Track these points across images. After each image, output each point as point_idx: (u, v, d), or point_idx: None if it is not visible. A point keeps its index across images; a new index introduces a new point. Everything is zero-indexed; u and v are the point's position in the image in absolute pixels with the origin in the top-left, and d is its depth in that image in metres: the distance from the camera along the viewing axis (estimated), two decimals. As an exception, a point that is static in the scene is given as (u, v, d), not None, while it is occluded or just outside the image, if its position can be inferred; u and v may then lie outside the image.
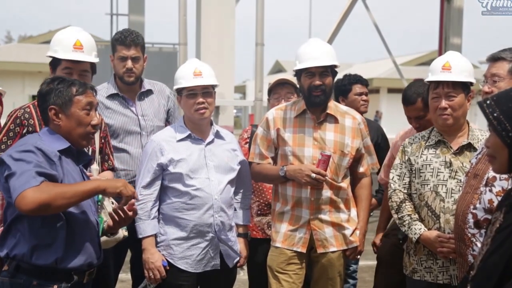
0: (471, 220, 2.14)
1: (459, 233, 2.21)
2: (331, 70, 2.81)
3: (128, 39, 3.13)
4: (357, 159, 2.91)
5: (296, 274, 2.82)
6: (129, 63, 3.12)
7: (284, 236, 2.83)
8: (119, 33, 3.22)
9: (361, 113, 3.69)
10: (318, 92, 2.76)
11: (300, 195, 2.79)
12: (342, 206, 2.85)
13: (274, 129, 2.87)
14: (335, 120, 2.86)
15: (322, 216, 2.80)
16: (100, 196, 2.32)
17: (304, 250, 2.81)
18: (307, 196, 2.78)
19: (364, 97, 3.79)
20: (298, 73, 2.83)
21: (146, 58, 3.25)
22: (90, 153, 2.72)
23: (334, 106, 2.89)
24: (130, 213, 2.25)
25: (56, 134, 2.14)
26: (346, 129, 2.86)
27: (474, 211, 2.13)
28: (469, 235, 2.15)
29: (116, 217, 2.24)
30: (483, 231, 2.08)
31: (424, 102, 2.97)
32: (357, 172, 2.94)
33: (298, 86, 2.94)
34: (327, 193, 2.79)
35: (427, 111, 2.95)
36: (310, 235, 2.81)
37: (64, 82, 2.17)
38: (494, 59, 2.20)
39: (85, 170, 2.32)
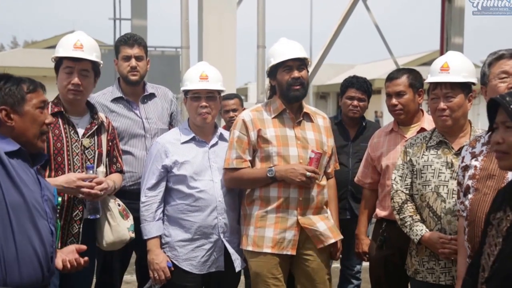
0: None
1: (482, 236, 2.07)
2: (305, 65, 2.82)
3: (131, 40, 3.21)
4: (329, 159, 2.93)
5: (283, 276, 2.78)
6: (133, 62, 3.17)
7: (273, 241, 2.74)
8: (122, 36, 3.31)
9: (349, 118, 3.67)
10: (297, 85, 2.77)
11: (288, 195, 2.75)
12: (324, 206, 2.86)
13: (255, 130, 2.79)
14: (310, 119, 2.88)
15: (310, 215, 2.79)
16: (60, 199, 2.19)
17: (294, 252, 2.77)
18: (296, 196, 2.75)
19: (355, 102, 3.58)
20: (273, 70, 2.82)
21: (149, 61, 3.30)
22: (96, 155, 2.76)
23: (306, 106, 2.92)
24: (82, 261, 2.11)
25: (6, 137, 1.95)
26: (321, 128, 2.89)
27: None
28: None
29: (69, 266, 2.08)
30: None
31: (410, 83, 2.98)
32: (326, 172, 2.94)
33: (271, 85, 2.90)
34: (314, 192, 2.79)
35: (412, 93, 2.97)
36: (298, 235, 2.77)
37: (11, 80, 2.01)
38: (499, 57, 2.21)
39: (41, 172, 2.13)
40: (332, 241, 2.81)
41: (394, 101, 3.01)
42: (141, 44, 3.23)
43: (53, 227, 2.02)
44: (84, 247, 2.19)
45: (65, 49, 2.72)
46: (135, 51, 3.19)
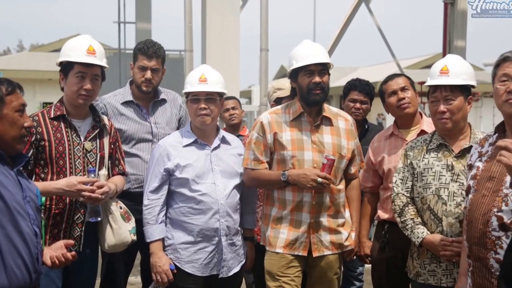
0: (495, 223, 2.07)
1: (478, 237, 2.11)
2: (327, 70, 2.83)
3: (150, 50, 3.19)
4: (350, 160, 2.94)
5: (296, 277, 2.82)
6: (149, 74, 3.18)
7: (285, 242, 2.80)
8: (143, 43, 3.27)
9: None
10: (317, 90, 2.78)
11: (301, 199, 2.78)
12: (341, 209, 2.87)
13: (271, 133, 2.83)
14: (330, 122, 2.88)
15: (322, 220, 2.80)
16: (43, 199, 2.15)
17: (305, 254, 2.81)
18: (309, 200, 2.78)
19: (357, 105, 3.62)
20: (295, 73, 2.83)
21: (165, 70, 3.31)
22: (98, 158, 2.77)
23: (327, 108, 2.91)
24: (70, 256, 2.10)
25: None
26: (341, 131, 2.88)
27: (499, 213, 2.05)
28: (493, 238, 2.07)
29: (57, 262, 2.09)
30: (510, 233, 2.02)
31: (410, 82, 3.09)
32: (348, 173, 2.95)
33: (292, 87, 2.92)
34: (328, 196, 2.80)
35: (413, 91, 3.05)
36: (310, 238, 2.80)
37: None
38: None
39: (23, 174, 2.11)
40: (328, 252, 2.83)
41: (400, 95, 3.03)
42: (160, 56, 3.22)
43: (37, 228, 2.00)
44: (71, 242, 2.23)
45: (77, 54, 2.71)
46: (152, 63, 3.19)
